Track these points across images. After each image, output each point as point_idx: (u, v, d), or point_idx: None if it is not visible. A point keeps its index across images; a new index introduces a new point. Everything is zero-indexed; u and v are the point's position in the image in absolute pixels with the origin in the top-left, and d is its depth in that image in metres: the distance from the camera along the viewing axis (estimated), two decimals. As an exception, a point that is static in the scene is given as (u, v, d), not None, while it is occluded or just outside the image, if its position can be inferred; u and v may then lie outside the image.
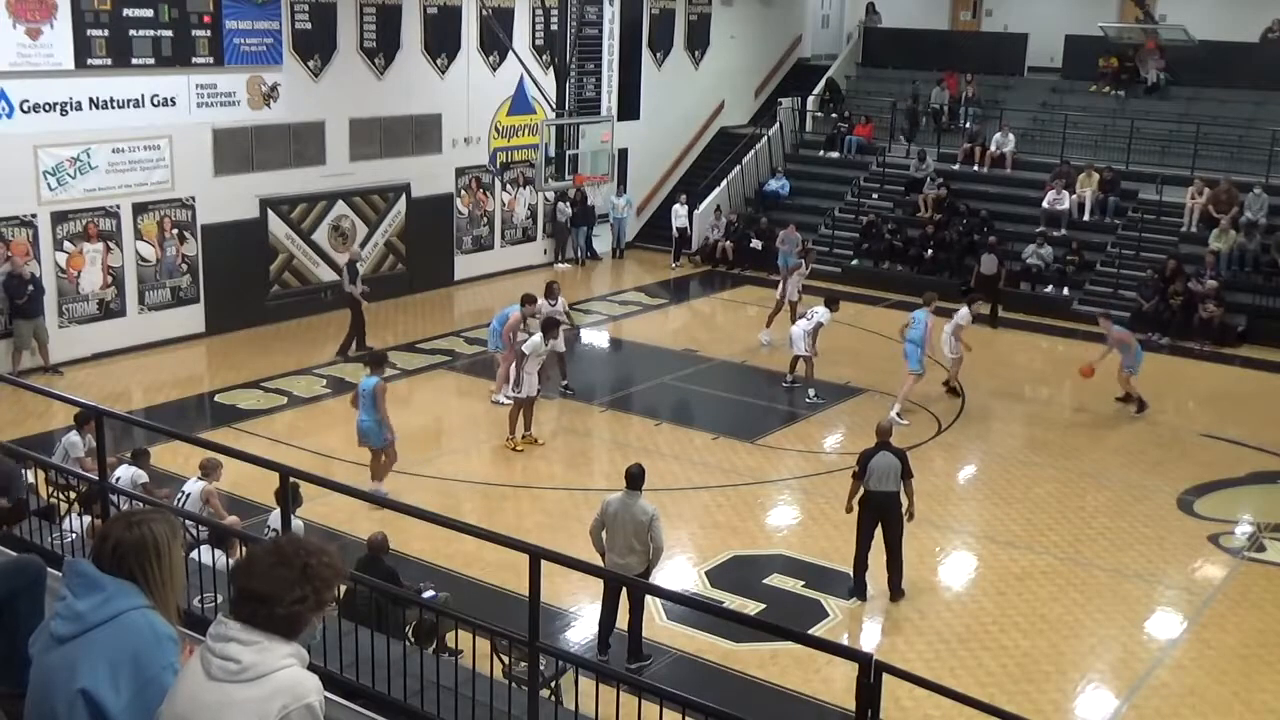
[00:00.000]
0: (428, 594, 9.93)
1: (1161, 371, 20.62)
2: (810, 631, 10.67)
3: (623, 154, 26.41)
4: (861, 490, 11.99)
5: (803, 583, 12.38)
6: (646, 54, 28.05)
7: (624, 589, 10.43)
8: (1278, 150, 24.13)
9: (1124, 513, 14.46)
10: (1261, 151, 24.35)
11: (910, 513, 12.05)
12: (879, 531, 11.96)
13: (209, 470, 11.67)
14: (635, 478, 10.59)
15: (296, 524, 8.43)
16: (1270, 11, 28.31)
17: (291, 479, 7.12)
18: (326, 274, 21.95)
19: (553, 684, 8.35)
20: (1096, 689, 10.84)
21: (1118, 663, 11.23)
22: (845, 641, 10.96)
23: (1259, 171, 24.02)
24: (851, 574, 12.05)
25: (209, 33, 19.34)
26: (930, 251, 24.94)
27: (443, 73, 23.48)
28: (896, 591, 12.00)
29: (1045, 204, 25.06)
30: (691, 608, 10.73)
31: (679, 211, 27.28)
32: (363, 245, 22.49)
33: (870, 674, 5.06)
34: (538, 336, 15.89)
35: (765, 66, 32.23)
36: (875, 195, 27.51)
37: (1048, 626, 11.68)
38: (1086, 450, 16.49)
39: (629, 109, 27.17)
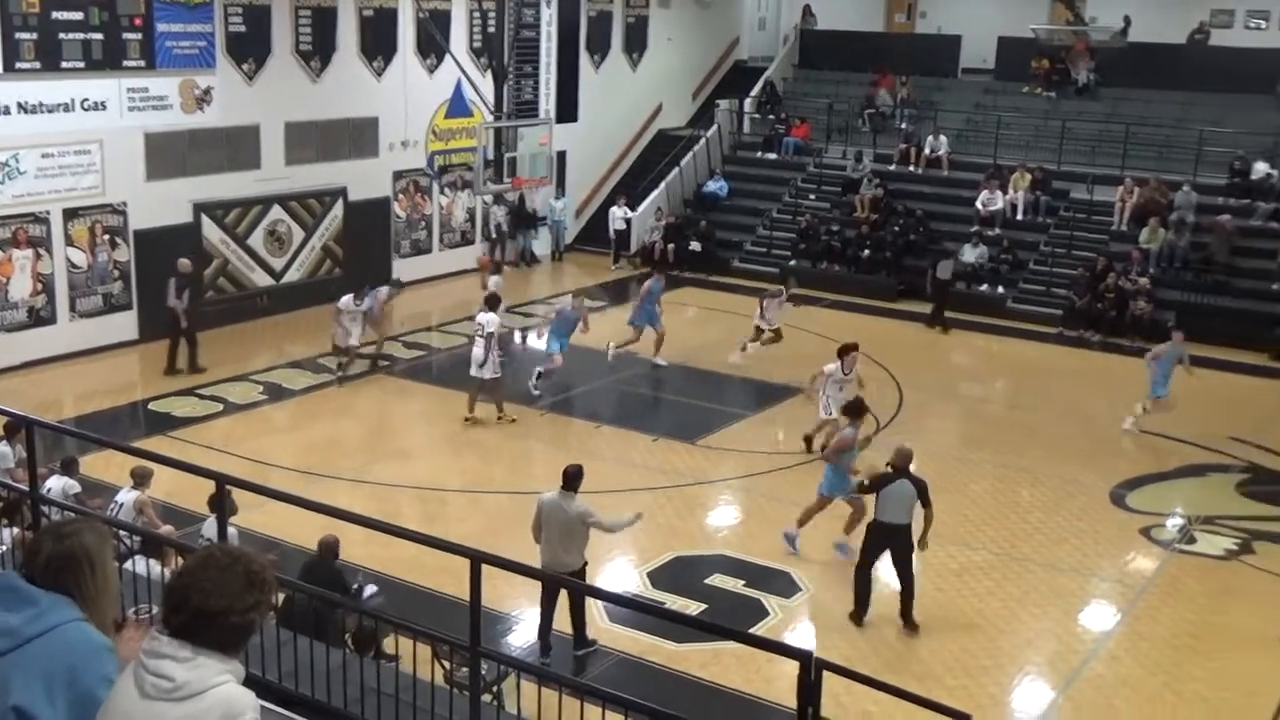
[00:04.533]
0: (369, 590, 9.89)
1: (1094, 368, 21.00)
2: (751, 630, 10.74)
3: (561, 156, 26.38)
4: (871, 517, 11.65)
5: (744, 582, 12.44)
6: (584, 56, 28.03)
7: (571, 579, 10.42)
8: (1205, 150, 24.61)
9: (1058, 507, 14.69)
10: (1189, 151, 24.82)
11: (923, 542, 11.65)
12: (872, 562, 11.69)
13: (141, 479, 11.51)
14: (571, 478, 10.56)
15: (231, 532, 8.34)
16: (1196, 14, 28.93)
17: (227, 486, 7.06)
18: (263, 279, 21.77)
19: (495, 688, 8.34)
20: (1033, 681, 11.01)
21: (1054, 655, 11.40)
22: (786, 640, 11.03)
23: (1186, 170, 24.49)
24: (854, 598, 11.67)
25: (140, 36, 19.08)
26: (867, 251, 25.16)
27: (379, 75, 23.34)
28: (910, 622, 11.54)
29: (979, 204, 25.38)
30: (633, 609, 10.75)
31: (617, 214, 27.31)
32: (299, 249, 22.32)
33: (810, 671, 5.10)
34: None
35: (703, 68, 32.34)
36: (813, 196, 27.71)
37: (985, 621, 11.83)
38: (1021, 446, 16.72)
39: (567, 111, 27.14)
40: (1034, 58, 29.04)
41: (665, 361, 19.63)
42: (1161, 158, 25.46)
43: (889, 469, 11.60)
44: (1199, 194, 23.87)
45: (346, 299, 18.36)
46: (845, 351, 15.64)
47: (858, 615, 11.71)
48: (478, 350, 16.71)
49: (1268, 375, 20.25)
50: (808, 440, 15.98)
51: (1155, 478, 15.80)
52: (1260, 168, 24.21)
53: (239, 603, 3.15)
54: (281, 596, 7.61)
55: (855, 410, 13.39)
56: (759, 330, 19.69)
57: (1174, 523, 14.58)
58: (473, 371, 16.78)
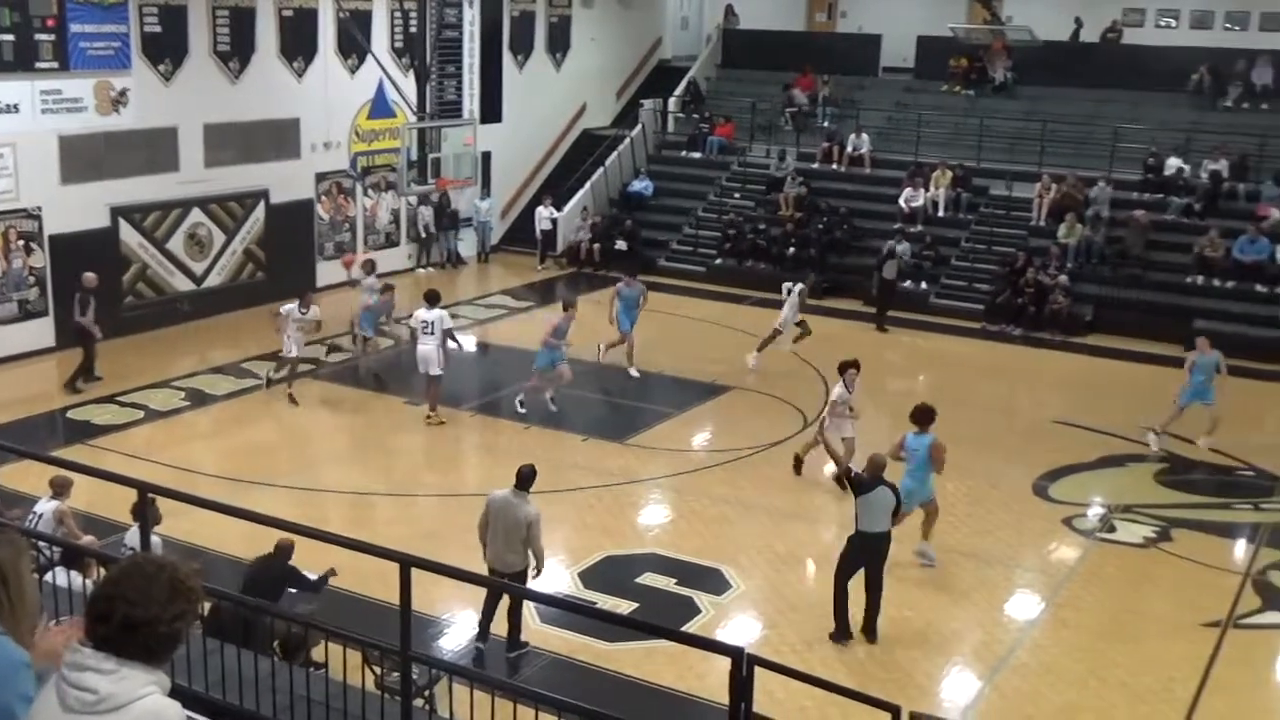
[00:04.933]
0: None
1: (1015, 361, 21.35)
2: (683, 628, 10.78)
3: (486, 157, 26.28)
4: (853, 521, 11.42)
5: (675, 580, 12.47)
6: (508, 56, 27.96)
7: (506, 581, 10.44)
8: (1119, 146, 25.11)
9: (983, 499, 14.90)
10: (1103, 147, 25.31)
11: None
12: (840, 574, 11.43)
13: (60, 489, 11.28)
14: (525, 478, 10.68)
15: (155, 541, 8.21)
16: (1108, 13, 29.53)
17: (150, 495, 6.94)
18: (183, 283, 21.42)
19: (426, 693, 8.29)
20: (961, 671, 11.16)
21: (980, 645, 11.57)
22: (718, 637, 11.08)
23: (1102, 166, 24.97)
24: (834, 615, 11.32)
25: (53, 36, 18.68)
26: (792, 249, 25.34)
27: (300, 76, 23.07)
28: (873, 633, 11.33)
29: (901, 201, 25.66)
30: (565, 610, 10.74)
31: (543, 214, 27.26)
32: (220, 253, 21.99)
33: (743, 667, 5.14)
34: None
35: (626, 68, 32.38)
36: (737, 195, 27.84)
37: (913, 613, 11.97)
38: (946, 440, 16.85)
39: (491, 111, 27.06)
40: (953, 56, 29.45)
41: (600, 360, 19.43)
42: (1078, 154, 25.92)
43: (864, 475, 11.47)
44: (1114, 189, 24.36)
45: (290, 307, 17.59)
46: (845, 369, 14.92)
47: (839, 634, 11.31)
48: (428, 348, 16.51)
49: (1183, 366, 20.64)
50: (798, 461, 15.35)
51: (1076, 468, 16.09)
52: (1173, 163, 24.74)
53: (165, 612, 3.10)
54: (208, 605, 7.48)
55: (925, 417, 12.84)
56: (800, 328, 19.47)
57: (1095, 512, 14.87)
58: (422, 370, 16.62)
